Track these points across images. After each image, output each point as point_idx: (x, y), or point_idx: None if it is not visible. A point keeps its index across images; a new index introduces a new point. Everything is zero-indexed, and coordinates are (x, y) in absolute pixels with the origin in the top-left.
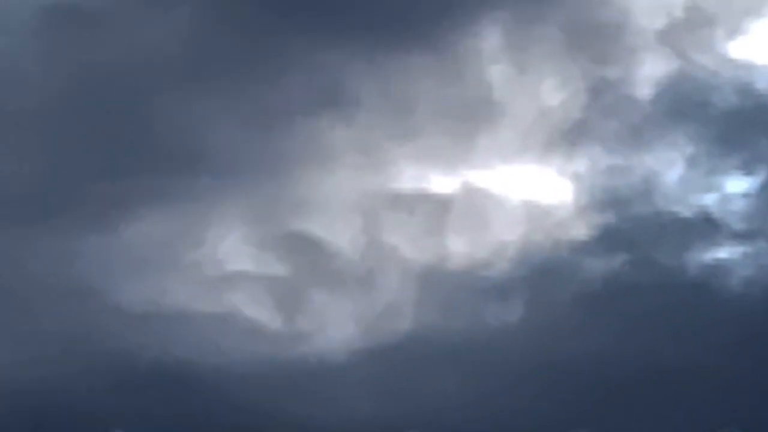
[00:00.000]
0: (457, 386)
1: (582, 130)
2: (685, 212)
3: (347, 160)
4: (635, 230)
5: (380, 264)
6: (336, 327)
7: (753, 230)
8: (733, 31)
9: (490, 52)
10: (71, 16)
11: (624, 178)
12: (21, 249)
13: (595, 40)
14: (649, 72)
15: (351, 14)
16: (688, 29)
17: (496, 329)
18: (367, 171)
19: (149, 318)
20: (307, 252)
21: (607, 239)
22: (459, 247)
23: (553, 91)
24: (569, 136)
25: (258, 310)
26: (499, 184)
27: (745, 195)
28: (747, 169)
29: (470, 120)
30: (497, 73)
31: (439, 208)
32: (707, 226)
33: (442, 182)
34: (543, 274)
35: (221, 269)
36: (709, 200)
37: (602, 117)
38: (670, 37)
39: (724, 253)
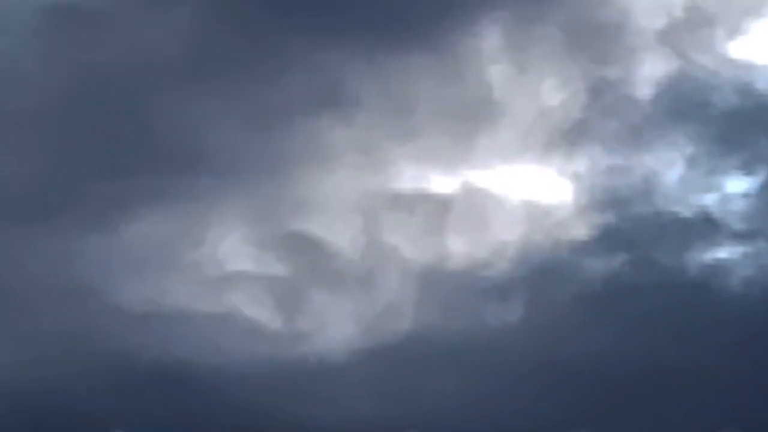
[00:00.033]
0: (457, 386)
1: (582, 130)
2: (685, 212)
3: (347, 160)
4: (635, 230)
5: (380, 264)
6: (336, 327)
7: (753, 230)
8: (733, 31)
9: (490, 52)
10: (71, 16)
11: (624, 178)
12: (21, 249)
13: (595, 40)
14: (649, 72)
15: (351, 14)
16: (688, 29)
17: (496, 329)
18: (367, 171)
19: (149, 318)
20: (307, 252)
21: (607, 239)
22: (459, 247)
23: (553, 91)
24: (569, 136)
25: (258, 310)
26: (499, 184)
27: (745, 195)
28: (747, 169)
29: (470, 120)
30: (497, 73)
31: (439, 208)
32: (707, 226)
33: (442, 182)
34: (543, 274)
35: (221, 269)
36: (709, 200)
37: (602, 117)
38: (670, 37)
39: (724, 253)
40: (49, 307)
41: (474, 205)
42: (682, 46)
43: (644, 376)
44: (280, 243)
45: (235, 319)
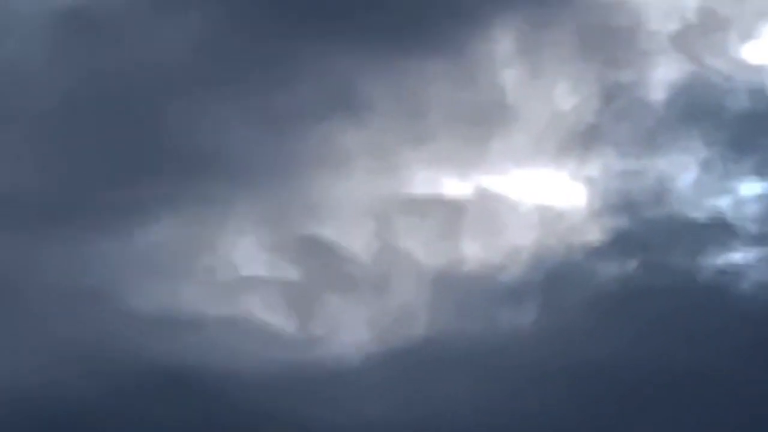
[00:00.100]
0: (471, 390)
1: (595, 134)
2: (699, 216)
3: (360, 164)
4: (648, 234)
5: (393, 268)
6: (349, 331)
7: (767, 233)
8: (747, 35)
9: (503, 56)
10: (83, 22)
11: (637, 182)
12: (35, 254)
13: (608, 43)
14: (663, 76)
15: (363, 18)
16: (702, 33)
17: (510, 333)
18: (381, 175)
19: (163, 323)
20: (320, 256)
21: (620, 243)
22: (472, 251)
23: (566, 95)
24: (582, 140)
25: (271, 315)
26: (513, 188)
27: (759, 198)
28: (761, 172)
29: (483, 124)
30: (510, 77)
31: (452, 212)
32: (721, 230)
33: (455, 186)
34: (556, 278)
35: (234, 274)
36: (722, 204)
37: (615, 121)
38: (683, 40)
39: (737, 256)
40: (62, 312)
41: (487, 209)
42: (696, 50)
43: (657, 379)
44: (293, 247)
45: (248, 324)
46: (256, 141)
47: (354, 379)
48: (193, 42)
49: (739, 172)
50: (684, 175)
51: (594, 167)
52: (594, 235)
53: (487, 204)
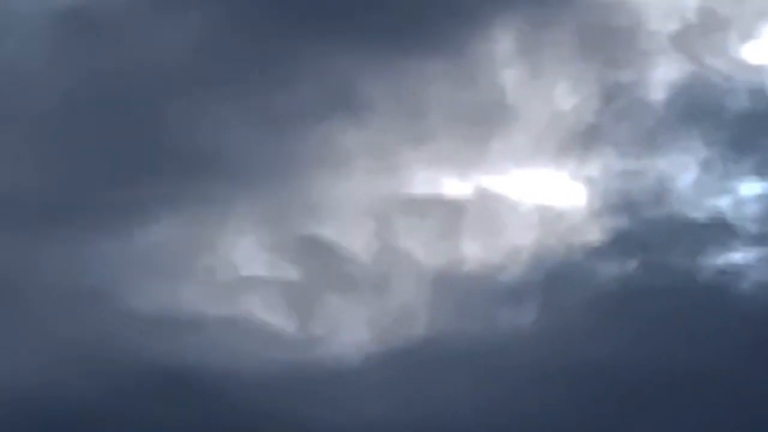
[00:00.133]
0: (471, 390)
1: (595, 134)
2: (699, 216)
3: (360, 164)
4: (649, 234)
5: (393, 268)
6: (349, 331)
7: (767, 233)
8: (747, 35)
9: (503, 56)
10: (83, 22)
11: (637, 182)
12: (34, 254)
13: (608, 43)
14: (663, 76)
15: (363, 18)
16: (702, 33)
17: (510, 333)
18: (380, 175)
19: (163, 323)
20: (320, 256)
21: (620, 243)
22: (472, 251)
23: (566, 95)
24: (582, 140)
25: (271, 315)
26: (513, 188)
27: (759, 198)
28: (761, 172)
29: (483, 124)
30: (510, 76)
31: (452, 212)
32: (721, 230)
33: (455, 186)
34: (556, 278)
35: (234, 274)
36: (722, 204)
37: (615, 121)
38: (683, 40)
39: (737, 256)
40: (62, 312)
41: (487, 209)
42: (696, 50)
43: (657, 379)
44: (293, 247)
45: (248, 324)
46: (256, 141)
47: (354, 379)
48: (193, 42)
49: (739, 172)
50: (684, 175)
51: (594, 167)
52: (594, 235)
53: (487, 204)
